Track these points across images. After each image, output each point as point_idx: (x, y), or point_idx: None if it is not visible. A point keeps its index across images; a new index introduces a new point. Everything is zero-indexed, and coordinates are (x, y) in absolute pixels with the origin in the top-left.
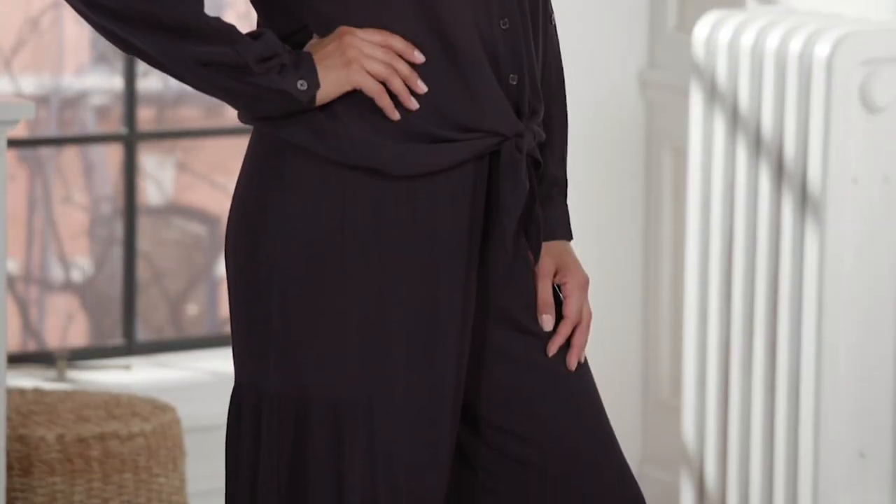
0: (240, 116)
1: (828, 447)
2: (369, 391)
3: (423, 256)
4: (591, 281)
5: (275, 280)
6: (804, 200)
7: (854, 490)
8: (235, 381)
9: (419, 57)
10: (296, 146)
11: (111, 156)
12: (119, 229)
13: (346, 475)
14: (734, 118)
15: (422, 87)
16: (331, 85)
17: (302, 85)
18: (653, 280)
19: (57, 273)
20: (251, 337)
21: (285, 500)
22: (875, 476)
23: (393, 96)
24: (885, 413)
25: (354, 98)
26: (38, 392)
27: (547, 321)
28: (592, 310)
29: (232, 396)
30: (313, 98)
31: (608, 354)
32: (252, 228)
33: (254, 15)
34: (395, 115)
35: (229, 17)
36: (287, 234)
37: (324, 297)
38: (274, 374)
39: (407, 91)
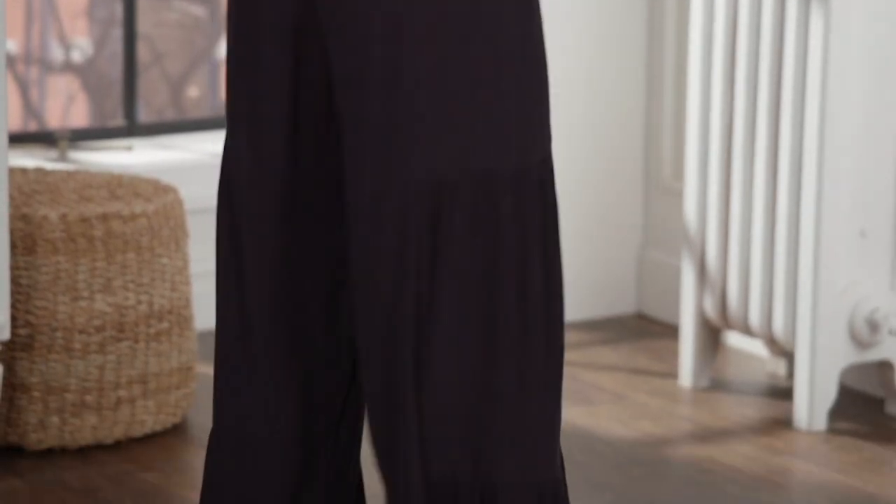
0: None
1: (828, 227)
2: (235, 130)
3: None
4: (593, 64)
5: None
6: None
7: (854, 269)
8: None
9: None
10: None
11: None
12: (119, 10)
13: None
14: None
15: None
16: None
17: None
18: (656, 61)
19: (57, 54)
20: None
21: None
22: (875, 255)
23: None
24: (886, 192)
25: None
26: (40, 171)
27: None
28: (595, 93)
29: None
30: None
31: (611, 138)
32: None
33: None
34: None
35: None
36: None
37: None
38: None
39: None
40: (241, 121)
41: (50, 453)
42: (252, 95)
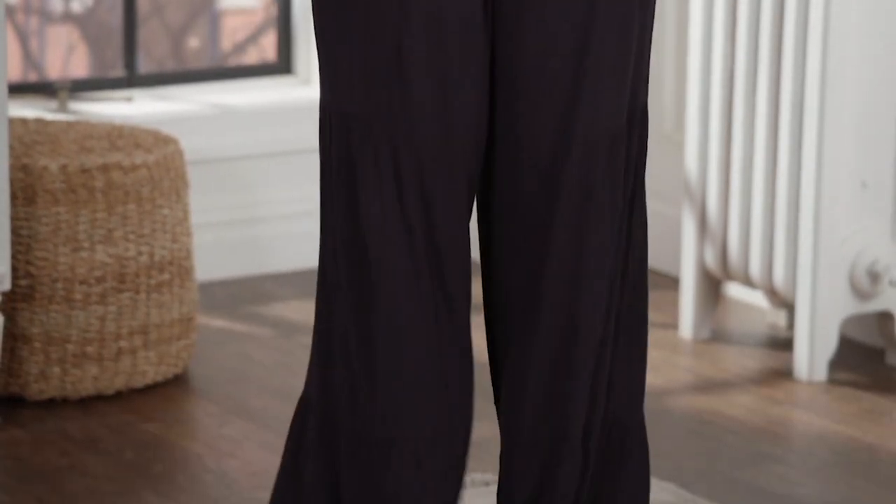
0: None
1: (829, 177)
2: (370, 106)
3: None
4: None
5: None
6: None
7: (855, 220)
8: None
9: None
10: None
11: None
12: None
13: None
14: None
15: None
16: None
17: None
18: (657, 11)
19: (57, 4)
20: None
21: (341, 207)
22: (876, 206)
23: None
24: (887, 143)
25: None
26: (40, 122)
27: None
28: None
29: None
30: None
31: None
32: None
33: None
34: None
35: None
36: None
37: (336, 14)
38: (322, 90)
39: None
40: (416, 102)
41: (51, 404)
42: (438, 84)
